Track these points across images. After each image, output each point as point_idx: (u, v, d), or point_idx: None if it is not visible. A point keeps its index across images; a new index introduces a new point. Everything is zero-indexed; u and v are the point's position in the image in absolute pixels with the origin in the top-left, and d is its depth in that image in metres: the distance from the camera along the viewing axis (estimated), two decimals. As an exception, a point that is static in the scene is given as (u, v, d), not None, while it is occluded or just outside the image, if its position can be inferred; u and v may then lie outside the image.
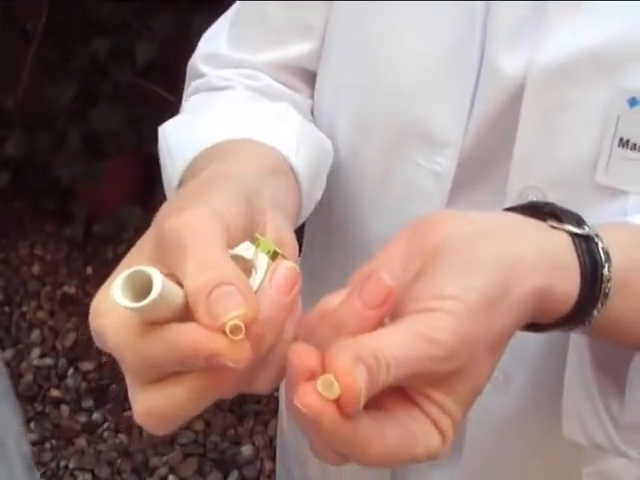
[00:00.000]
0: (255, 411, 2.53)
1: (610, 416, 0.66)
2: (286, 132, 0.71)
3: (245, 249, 0.48)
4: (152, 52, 2.69)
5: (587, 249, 0.53)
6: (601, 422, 0.66)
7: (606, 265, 0.53)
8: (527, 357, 0.75)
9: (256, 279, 0.47)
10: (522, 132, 0.68)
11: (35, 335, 2.69)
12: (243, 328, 0.42)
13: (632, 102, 0.63)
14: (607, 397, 0.65)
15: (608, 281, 0.53)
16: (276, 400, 2.50)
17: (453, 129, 0.71)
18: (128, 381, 0.47)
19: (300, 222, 0.73)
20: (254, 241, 0.49)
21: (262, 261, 0.48)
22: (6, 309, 2.78)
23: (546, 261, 0.51)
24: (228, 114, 0.75)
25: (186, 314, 0.44)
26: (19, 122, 2.77)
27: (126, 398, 2.52)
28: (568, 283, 0.52)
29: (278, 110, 0.77)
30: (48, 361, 2.63)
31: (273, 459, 2.38)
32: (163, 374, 0.45)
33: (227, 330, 0.42)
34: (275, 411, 2.47)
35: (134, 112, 2.83)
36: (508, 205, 0.62)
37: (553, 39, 0.65)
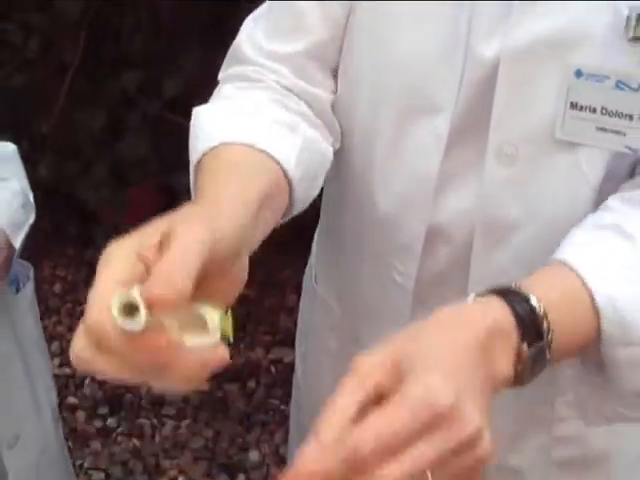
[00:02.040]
0: (262, 422, 2.66)
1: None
2: (291, 145, 0.88)
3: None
4: (179, 86, 2.87)
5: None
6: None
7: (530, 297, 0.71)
8: (509, 278, 0.91)
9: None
10: (498, 100, 0.88)
11: (55, 346, 2.82)
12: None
13: (578, 74, 0.84)
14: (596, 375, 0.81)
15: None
16: (282, 412, 2.63)
17: (448, 98, 0.91)
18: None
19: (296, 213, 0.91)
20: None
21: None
22: (28, 322, 2.92)
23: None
24: (248, 118, 0.90)
25: None
26: (50, 147, 2.94)
27: (140, 406, 2.66)
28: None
29: (290, 121, 0.93)
30: (67, 370, 2.76)
31: (279, 465, 2.51)
32: None
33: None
34: (281, 423, 2.60)
35: (159, 142, 3.01)
36: (489, 158, 0.87)
37: (518, 30, 0.86)
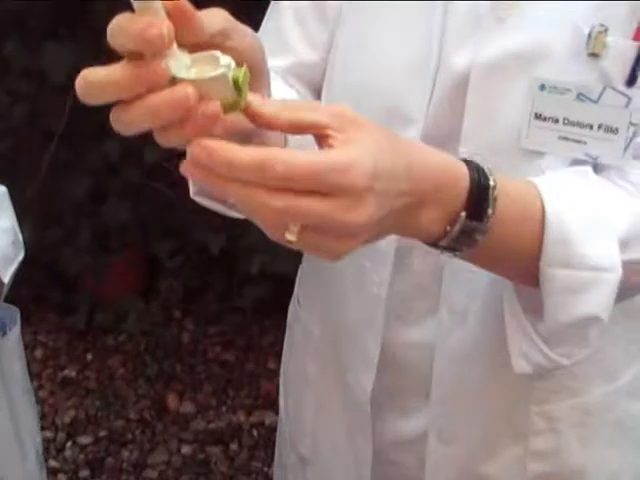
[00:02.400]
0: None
1: (541, 337, 0.86)
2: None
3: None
4: (159, 154, 2.92)
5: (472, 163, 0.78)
6: (536, 345, 0.86)
7: (490, 175, 0.78)
8: (480, 294, 0.97)
9: None
10: (468, 111, 0.93)
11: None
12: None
13: (542, 87, 0.89)
14: (535, 322, 0.86)
15: (493, 179, 0.78)
16: (265, 475, 2.64)
17: (420, 110, 0.96)
18: None
19: None
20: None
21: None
22: (8, 387, 2.92)
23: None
24: None
25: None
26: (33, 214, 2.98)
27: (121, 469, 2.66)
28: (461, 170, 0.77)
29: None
30: (48, 434, 2.76)
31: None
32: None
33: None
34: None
35: (140, 209, 3.07)
36: None
37: (488, 44, 0.91)
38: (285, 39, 1.07)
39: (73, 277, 3.10)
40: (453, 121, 0.94)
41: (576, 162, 0.90)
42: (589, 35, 0.87)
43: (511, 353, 0.88)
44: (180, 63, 0.63)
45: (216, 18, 0.66)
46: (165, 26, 0.60)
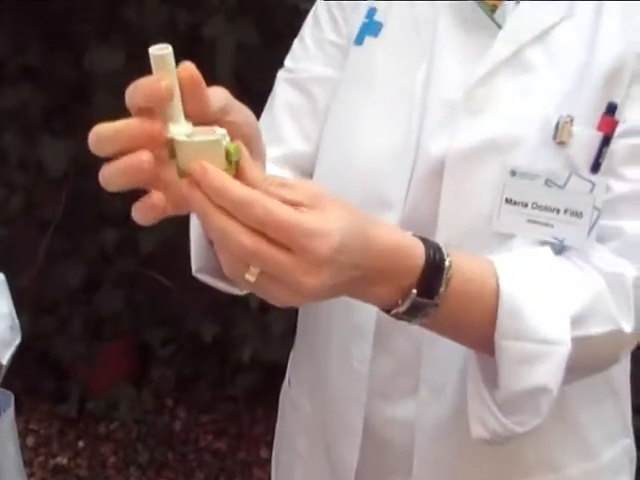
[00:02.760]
0: None
1: (496, 404, 0.90)
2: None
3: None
4: (154, 242, 2.96)
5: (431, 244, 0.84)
6: (492, 412, 0.90)
7: (446, 255, 0.83)
8: (457, 369, 1.00)
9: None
10: (444, 196, 0.99)
11: (27, 500, 2.81)
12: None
13: (512, 173, 0.95)
14: (492, 390, 0.90)
15: (449, 260, 0.83)
16: None
17: (398, 195, 1.01)
18: None
19: None
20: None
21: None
22: (-1, 475, 2.91)
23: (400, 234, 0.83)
24: None
25: None
26: (28, 302, 3.00)
27: None
28: (416, 251, 0.82)
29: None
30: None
31: None
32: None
33: None
34: None
35: (134, 298, 3.11)
36: None
37: (463, 133, 0.98)
38: (279, 131, 1.13)
39: (65, 366, 3.12)
40: (430, 205, 0.99)
41: (544, 244, 0.95)
42: (557, 125, 0.94)
43: (469, 419, 0.92)
44: (181, 129, 0.70)
45: (219, 95, 0.73)
46: (167, 80, 0.68)
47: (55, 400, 3.22)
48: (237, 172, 0.71)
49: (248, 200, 0.69)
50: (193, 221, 0.95)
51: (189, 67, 0.70)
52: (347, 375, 1.08)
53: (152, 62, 0.69)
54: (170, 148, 0.70)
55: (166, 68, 0.69)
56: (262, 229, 0.69)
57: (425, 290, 0.82)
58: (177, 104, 0.70)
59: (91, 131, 0.70)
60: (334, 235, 0.72)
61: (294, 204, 0.72)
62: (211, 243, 0.83)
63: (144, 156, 0.69)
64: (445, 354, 1.00)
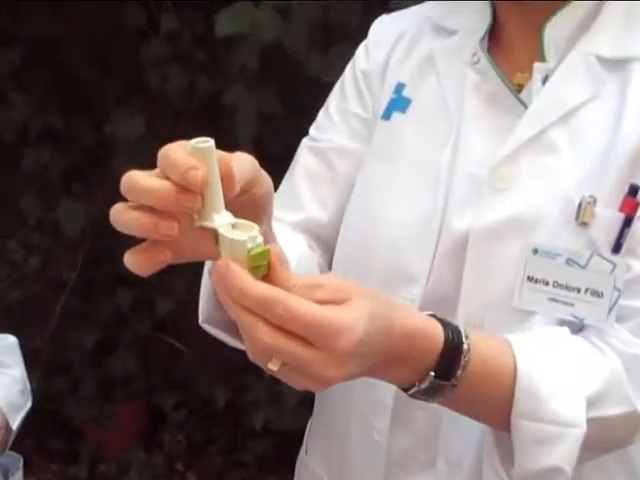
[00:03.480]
0: None
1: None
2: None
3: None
4: (170, 305, 2.97)
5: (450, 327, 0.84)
6: None
7: (464, 338, 0.84)
8: (474, 443, 0.99)
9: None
10: (467, 272, 0.99)
11: None
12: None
13: (535, 251, 0.95)
14: (508, 468, 0.90)
15: (467, 342, 0.84)
16: None
17: (423, 269, 1.02)
18: None
19: None
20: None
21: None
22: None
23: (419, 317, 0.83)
24: None
25: None
26: (42, 363, 3.00)
27: None
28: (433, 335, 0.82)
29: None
30: None
31: None
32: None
33: None
34: None
35: (147, 361, 3.10)
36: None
37: (486, 211, 0.98)
38: (298, 197, 1.14)
39: (77, 427, 3.11)
40: (453, 280, 0.99)
41: (564, 322, 0.94)
42: (579, 205, 0.94)
43: None
44: (223, 219, 0.72)
45: (246, 167, 0.75)
46: (204, 172, 0.69)
47: (66, 461, 3.19)
48: (268, 273, 0.72)
49: (268, 301, 0.69)
50: (205, 272, 0.95)
51: (227, 162, 0.71)
52: (366, 446, 1.07)
53: (192, 154, 0.70)
54: (215, 236, 0.72)
55: (205, 161, 0.70)
56: (284, 326, 0.70)
57: (443, 372, 0.82)
58: (218, 193, 0.71)
59: (127, 175, 0.71)
60: (358, 328, 0.72)
61: (321, 302, 0.72)
62: None
63: (174, 230, 0.70)
64: (463, 429, 0.99)
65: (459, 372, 0.83)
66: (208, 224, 0.72)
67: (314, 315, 0.70)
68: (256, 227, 0.72)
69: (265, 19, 2.24)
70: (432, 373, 0.82)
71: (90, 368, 3.10)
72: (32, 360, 2.95)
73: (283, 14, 2.26)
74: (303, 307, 0.70)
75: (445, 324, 0.84)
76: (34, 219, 2.92)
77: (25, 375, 1.49)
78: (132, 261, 0.72)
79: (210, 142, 0.71)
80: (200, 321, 0.97)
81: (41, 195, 2.93)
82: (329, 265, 1.15)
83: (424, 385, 0.82)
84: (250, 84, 2.45)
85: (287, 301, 0.70)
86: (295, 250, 1.03)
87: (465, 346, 0.83)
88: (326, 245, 1.15)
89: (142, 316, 3.09)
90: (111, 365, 3.09)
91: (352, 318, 0.72)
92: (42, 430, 3.11)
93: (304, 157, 1.17)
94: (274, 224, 0.90)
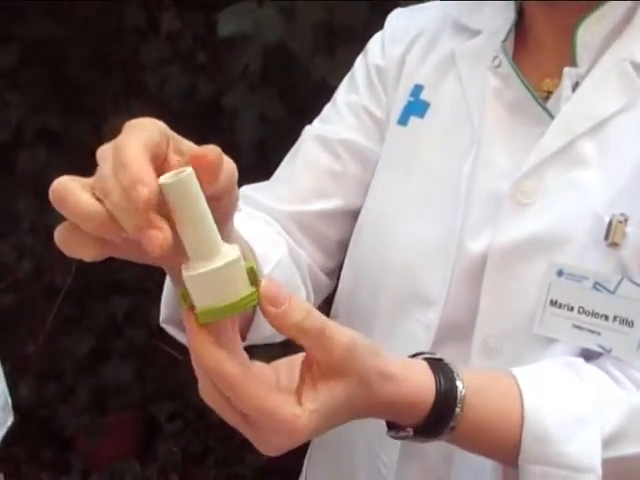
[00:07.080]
0: None
1: None
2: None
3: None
4: (166, 313, 2.91)
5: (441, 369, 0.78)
6: None
7: (458, 379, 0.77)
8: (485, 476, 0.92)
9: None
10: (485, 295, 0.92)
11: None
12: None
13: (559, 273, 0.88)
14: None
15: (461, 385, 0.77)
16: None
17: (440, 291, 0.94)
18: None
19: None
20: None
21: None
22: None
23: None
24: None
25: None
26: (33, 369, 2.95)
27: None
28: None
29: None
30: None
31: None
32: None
33: None
34: None
35: (142, 370, 3.02)
36: (474, 351, 0.91)
37: (507, 228, 0.91)
38: (296, 188, 1.07)
39: (69, 436, 3.03)
40: (470, 304, 0.93)
41: (588, 352, 0.87)
42: (609, 224, 0.86)
43: None
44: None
45: (229, 172, 0.66)
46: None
47: (57, 471, 3.11)
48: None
49: (218, 373, 0.67)
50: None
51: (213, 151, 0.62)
52: (372, 478, 1.01)
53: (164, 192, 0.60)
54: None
55: (181, 196, 0.60)
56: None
57: (433, 430, 0.77)
58: (203, 233, 0.62)
59: (57, 182, 0.63)
60: (303, 429, 0.68)
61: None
62: None
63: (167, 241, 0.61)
64: (475, 462, 0.92)
65: (452, 423, 0.77)
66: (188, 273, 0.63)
67: (260, 402, 0.67)
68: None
69: (268, 19, 2.17)
70: (410, 431, 0.78)
71: (83, 376, 3.02)
72: (24, 367, 2.93)
73: (287, 14, 2.19)
74: (253, 392, 0.67)
75: (437, 373, 0.78)
76: (28, 222, 2.85)
77: (6, 390, 1.41)
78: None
79: (186, 171, 0.59)
80: (161, 321, 0.91)
81: (36, 197, 2.85)
82: (322, 262, 1.08)
83: (412, 432, 0.78)
84: (252, 86, 2.38)
85: (244, 384, 0.67)
86: (272, 256, 0.93)
87: (459, 396, 0.77)
88: (320, 242, 1.08)
89: (137, 324, 3.01)
90: (105, 373, 3.01)
91: (301, 413, 0.68)
92: (33, 439, 3.04)
93: (308, 145, 1.09)
94: (253, 225, 0.87)
